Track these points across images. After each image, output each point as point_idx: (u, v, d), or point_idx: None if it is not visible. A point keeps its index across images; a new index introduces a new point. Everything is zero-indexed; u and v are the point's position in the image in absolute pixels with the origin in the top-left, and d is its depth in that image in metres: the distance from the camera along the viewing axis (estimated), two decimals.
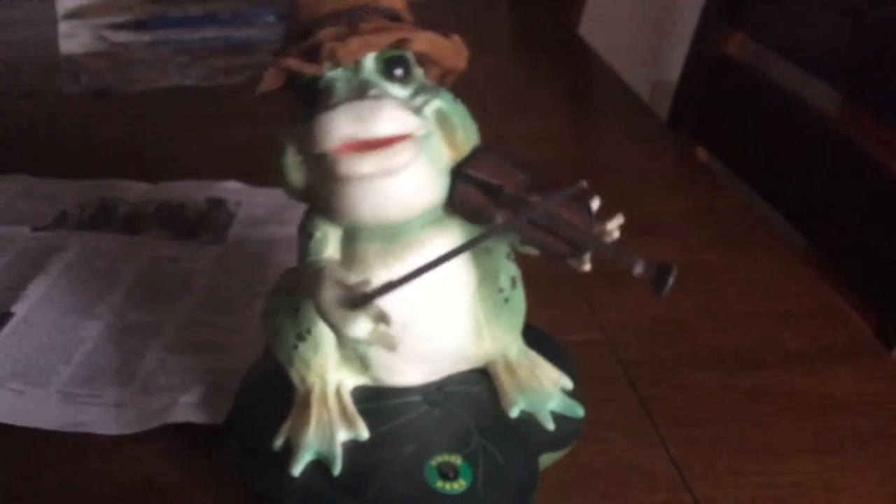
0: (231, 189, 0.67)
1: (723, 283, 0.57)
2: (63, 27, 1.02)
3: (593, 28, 1.16)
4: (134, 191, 0.66)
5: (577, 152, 0.79)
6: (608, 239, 0.36)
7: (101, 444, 0.43)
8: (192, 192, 0.66)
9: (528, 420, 0.41)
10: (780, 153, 0.79)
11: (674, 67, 1.01)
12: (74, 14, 1.05)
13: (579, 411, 0.42)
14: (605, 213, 0.37)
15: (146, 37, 1.00)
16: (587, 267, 0.36)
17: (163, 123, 0.80)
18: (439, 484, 0.37)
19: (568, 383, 0.42)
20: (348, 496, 0.37)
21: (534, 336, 0.43)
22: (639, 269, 0.34)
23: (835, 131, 0.74)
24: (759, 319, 0.53)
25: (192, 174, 0.68)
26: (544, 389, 0.42)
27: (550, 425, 0.41)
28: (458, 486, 0.37)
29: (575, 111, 0.90)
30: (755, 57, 0.87)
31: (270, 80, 0.35)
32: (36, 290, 0.54)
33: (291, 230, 0.64)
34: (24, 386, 0.47)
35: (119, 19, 1.04)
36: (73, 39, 0.99)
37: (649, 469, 0.42)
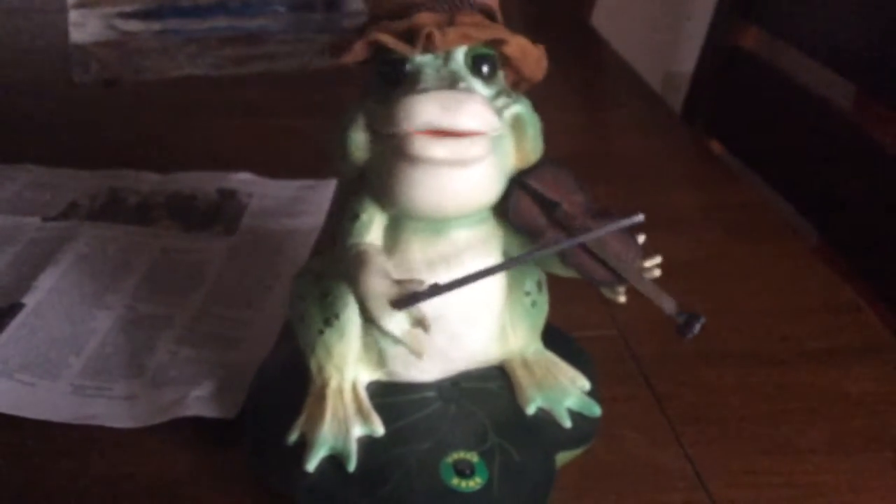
0: (243, 180, 0.66)
1: (738, 278, 0.57)
2: (73, 16, 1.01)
3: (606, 19, 1.15)
4: (145, 181, 0.66)
5: (590, 144, 0.79)
6: (648, 276, 0.36)
7: (112, 437, 0.43)
8: (204, 182, 0.66)
9: (544, 417, 0.41)
10: (794, 146, 0.78)
11: (686, 59, 1.00)
12: (84, 3, 1.04)
13: (596, 410, 0.41)
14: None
15: (156, 26, 1.00)
16: (622, 299, 0.37)
17: (173, 113, 0.80)
18: (455, 481, 0.37)
19: (585, 383, 0.42)
20: (363, 493, 0.37)
21: (550, 333, 0.43)
22: (671, 310, 0.35)
23: (850, 124, 0.73)
24: (775, 316, 0.53)
25: (204, 165, 0.68)
26: (561, 387, 0.41)
27: (567, 423, 0.40)
28: (474, 483, 0.37)
29: (587, 103, 0.89)
30: (769, 49, 0.87)
31: (358, 52, 0.35)
32: (46, 281, 0.54)
33: (304, 222, 0.63)
34: (35, 378, 0.46)
35: (129, 8, 1.04)
36: (83, 28, 0.99)
37: (665, 468, 0.42)
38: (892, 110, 0.69)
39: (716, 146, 0.86)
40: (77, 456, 0.42)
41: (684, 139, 0.79)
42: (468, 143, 0.33)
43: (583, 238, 0.35)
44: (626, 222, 0.34)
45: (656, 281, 0.36)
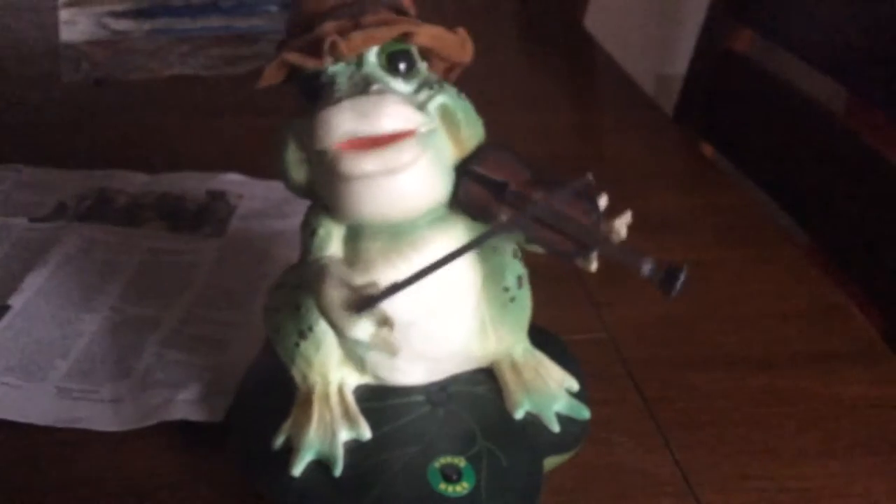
0: (232, 181, 0.66)
1: (729, 281, 0.57)
2: (64, 14, 1.01)
3: (599, 21, 1.15)
4: (133, 182, 0.66)
5: (582, 147, 0.79)
6: (615, 237, 0.35)
7: (98, 440, 0.43)
8: (193, 183, 0.65)
9: (532, 422, 0.40)
10: (786, 149, 0.78)
11: (678, 61, 1.00)
12: (75, 1, 1.04)
13: (585, 413, 0.41)
14: (612, 209, 0.36)
15: (147, 25, 0.99)
16: (594, 266, 0.35)
17: (163, 113, 0.79)
18: (442, 486, 0.37)
19: (574, 384, 0.42)
20: (349, 498, 0.37)
21: (539, 335, 0.43)
22: (647, 269, 0.33)
23: (841, 127, 0.73)
24: (765, 320, 0.53)
25: (193, 165, 0.68)
26: (550, 390, 0.41)
27: (556, 427, 0.40)
28: (462, 488, 0.37)
29: (579, 105, 0.89)
30: (762, 52, 0.87)
31: (271, 75, 0.34)
32: (33, 282, 0.53)
33: (293, 224, 0.63)
34: (20, 380, 0.46)
35: (120, 7, 1.03)
36: (74, 27, 0.98)
37: (653, 473, 0.42)
38: (884, 114, 0.69)
39: (707, 149, 0.86)
40: (62, 459, 0.42)
41: (676, 142, 0.79)
42: (397, 151, 0.33)
43: (532, 212, 0.34)
44: (572, 187, 0.33)
45: (629, 241, 0.34)
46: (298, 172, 0.36)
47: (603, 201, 0.35)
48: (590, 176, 0.33)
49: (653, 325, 0.52)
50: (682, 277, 0.32)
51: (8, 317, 0.50)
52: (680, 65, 0.93)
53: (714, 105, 0.88)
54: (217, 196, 0.64)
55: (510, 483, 0.37)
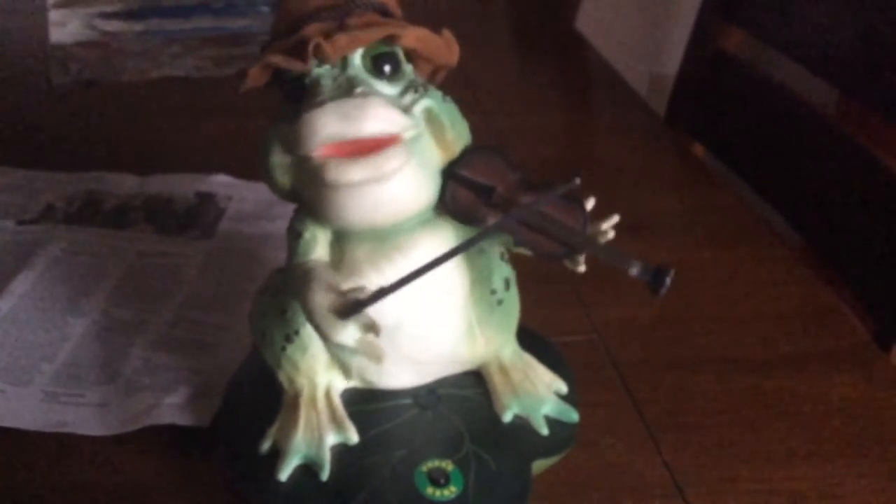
0: (221, 183, 0.65)
1: (719, 283, 0.57)
2: (53, 16, 1.00)
3: (590, 22, 1.15)
4: (122, 184, 0.65)
5: (573, 149, 0.78)
6: (602, 239, 0.35)
7: (84, 445, 0.42)
8: (182, 185, 0.65)
9: (521, 425, 0.40)
10: (777, 150, 0.78)
11: (672, 62, 1.00)
12: (65, 3, 1.03)
13: (574, 416, 0.41)
14: (601, 211, 0.36)
15: (137, 26, 0.99)
16: (582, 268, 0.36)
17: (153, 115, 0.79)
18: (430, 490, 0.37)
19: (562, 387, 0.42)
20: (336, 502, 0.36)
21: (528, 338, 0.43)
22: (634, 270, 0.33)
23: (833, 128, 0.73)
24: (755, 321, 0.53)
25: (182, 167, 0.67)
26: (538, 393, 0.41)
27: (544, 430, 0.40)
28: (449, 492, 0.37)
29: (571, 107, 0.89)
30: (753, 53, 0.87)
31: (255, 77, 0.34)
32: (20, 285, 0.53)
33: (282, 226, 0.62)
34: (6, 385, 0.46)
35: (110, 8, 1.03)
36: (64, 28, 0.98)
37: (643, 475, 0.42)
38: (875, 114, 0.69)
39: (698, 149, 0.86)
40: (48, 465, 0.42)
41: (667, 143, 0.79)
42: (383, 158, 0.33)
43: (519, 215, 0.34)
44: (560, 189, 0.33)
45: (615, 242, 0.34)
46: (283, 176, 0.35)
47: (590, 203, 0.35)
48: (577, 180, 0.33)
49: (642, 326, 0.52)
50: (669, 276, 0.33)
51: None
52: (672, 65, 0.92)
53: (705, 105, 0.88)
54: (206, 198, 0.64)
55: (498, 487, 0.37)
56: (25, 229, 0.59)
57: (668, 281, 0.33)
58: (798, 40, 0.78)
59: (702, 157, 0.84)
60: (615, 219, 0.35)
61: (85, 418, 0.44)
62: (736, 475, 0.42)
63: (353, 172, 0.32)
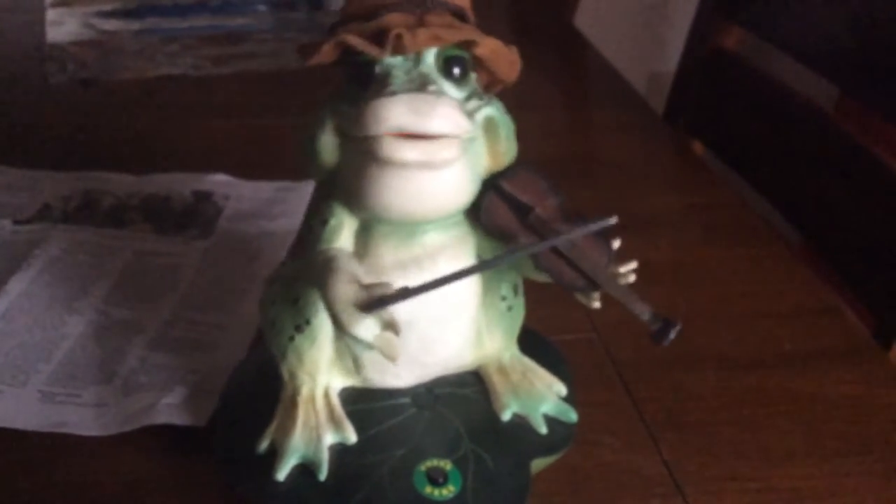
0: (219, 182, 0.65)
1: (718, 281, 0.56)
2: (50, 15, 1.00)
3: (589, 19, 1.15)
4: (119, 183, 0.65)
5: (572, 146, 0.78)
6: (623, 282, 0.35)
7: (81, 445, 0.42)
8: (179, 184, 0.65)
9: (520, 424, 0.40)
10: (776, 148, 0.78)
11: (671, 59, 1.00)
12: (63, 1, 1.03)
13: (573, 415, 0.41)
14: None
15: (135, 25, 0.99)
16: (597, 305, 0.36)
17: (150, 114, 0.79)
18: (428, 490, 0.36)
19: (562, 388, 0.42)
20: (334, 502, 0.36)
21: (527, 336, 0.42)
22: (646, 317, 0.34)
23: (832, 126, 0.73)
24: (755, 319, 0.53)
25: (179, 166, 0.67)
26: (537, 392, 0.41)
27: (543, 429, 0.40)
28: (448, 492, 0.36)
29: (570, 104, 0.88)
30: (752, 51, 0.86)
31: (326, 53, 0.34)
32: (17, 285, 0.53)
33: (281, 225, 0.63)
34: (2, 385, 0.45)
35: (108, 7, 1.02)
36: (61, 27, 0.97)
37: (642, 474, 0.41)
38: (874, 112, 0.69)
39: (698, 147, 0.86)
40: (45, 465, 0.42)
41: (666, 140, 0.79)
42: (439, 146, 0.33)
43: (554, 241, 0.34)
44: (597, 225, 0.33)
45: (632, 286, 0.35)
46: (329, 155, 0.35)
47: (616, 244, 0.36)
48: (614, 218, 0.33)
49: (642, 325, 0.52)
50: (674, 331, 0.34)
51: None
52: (671, 63, 0.92)
53: (704, 103, 0.87)
54: (204, 197, 0.63)
55: (497, 486, 0.37)
56: (22, 229, 0.59)
57: (672, 335, 0.34)
58: (797, 38, 0.78)
59: (701, 154, 0.84)
60: (634, 264, 0.36)
61: (82, 418, 0.43)
62: (735, 474, 0.42)
63: (409, 152, 0.32)
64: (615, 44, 1.08)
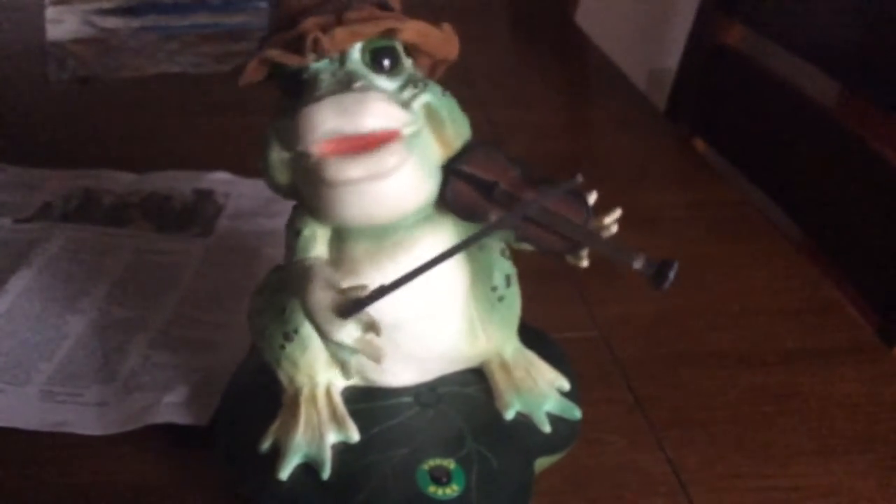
0: (220, 180, 0.65)
1: (721, 278, 0.56)
2: (50, 12, 1.00)
3: (590, 16, 1.15)
4: (120, 181, 0.65)
5: (574, 143, 0.78)
6: (606, 234, 0.35)
7: (82, 444, 0.42)
8: (180, 182, 0.64)
9: (523, 422, 0.40)
10: (778, 144, 0.78)
11: (672, 56, 1.00)
12: None
13: (576, 413, 0.41)
14: (603, 206, 0.36)
15: (135, 23, 0.99)
16: (585, 263, 0.35)
17: (150, 112, 0.79)
18: (431, 489, 0.36)
19: (565, 384, 0.41)
20: (337, 501, 0.36)
21: (530, 334, 0.42)
22: (638, 264, 0.32)
23: (834, 121, 0.73)
24: (758, 316, 0.52)
25: (180, 164, 0.67)
26: (540, 390, 0.40)
27: (547, 428, 0.39)
28: (451, 491, 0.36)
29: (571, 101, 0.88)
30: (754, 47, 0.86)
31: (252, 72, 0.34)
32: (17, 284, 0.52)
33: (281, 223, 0.62)
34: (3, 384, 0.45)
35: (108, 5, 1.02)
36: (61, 25, 0.97)
37: (646, 472, 0.41)
38: (876, 108, 0.69)
39: (700, 144, 0.86)
40: (45, 464, 0.41)
41: (668, 137, 0.79)
42: (382, 155, 0.32)
43: (523, 211, 0.33)
44: (563, 188, 0.33)
45: (619, 237, 0.34)
46: (282, 174, 0.35)
47: (592, 198, 0.35)
48: (579, 176, 0.33)
49: (645, 322, 0.52)
50: (673, 270, 0.32)
51: None
52: (672, 59, 0.92)
53: (706, 100, 0.87)
54: (204, 195, 0.63)
55: (501, 485, 0.37)
56: (22, 227, 0.59)
57: (671, 275, 0.32)
58: (798, 34, 0.77)
59: (702, 151, 0.84)
60: (618, 213, 0.35)
61: (83, 417, 0.43)
62: (739, 471, 0.41)
63: (352, 170, 0.32)
64: (616, 41, 1.08)
